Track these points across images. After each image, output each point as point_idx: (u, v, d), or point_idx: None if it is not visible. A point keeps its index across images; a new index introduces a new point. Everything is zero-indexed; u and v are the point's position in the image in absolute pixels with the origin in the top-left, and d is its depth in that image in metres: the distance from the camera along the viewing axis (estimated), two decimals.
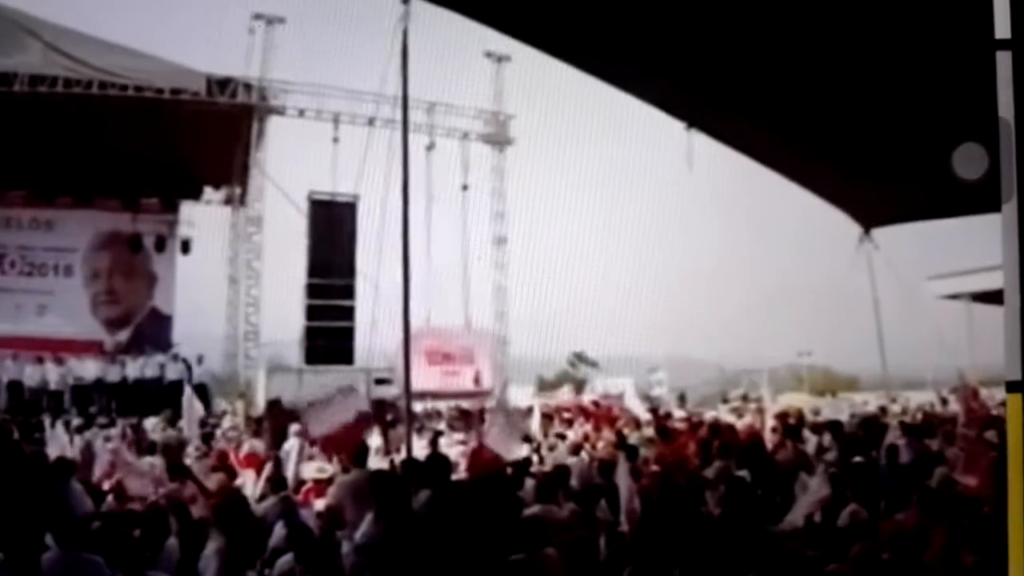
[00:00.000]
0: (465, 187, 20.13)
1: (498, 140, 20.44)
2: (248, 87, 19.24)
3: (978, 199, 4.83)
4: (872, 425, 13.45)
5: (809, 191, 16.84)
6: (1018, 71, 4.70)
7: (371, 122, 18.89)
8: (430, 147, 19.51)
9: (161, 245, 21.38)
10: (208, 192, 21.85)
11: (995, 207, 4.78)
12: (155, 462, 10.47)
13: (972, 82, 4.87)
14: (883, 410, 16.30)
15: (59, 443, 12.30)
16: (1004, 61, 4.71)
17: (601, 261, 17.70)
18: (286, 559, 6.77)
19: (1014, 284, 4.68)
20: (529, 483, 9.08)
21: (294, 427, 12.44)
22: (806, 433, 12.61)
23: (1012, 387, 4.72)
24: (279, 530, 7.37)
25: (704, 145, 16.71)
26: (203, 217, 21.65)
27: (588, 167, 17.36)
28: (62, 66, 18.12)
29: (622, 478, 8.46)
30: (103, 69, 18.24)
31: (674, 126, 16.53)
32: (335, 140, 19.03)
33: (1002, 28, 4.74)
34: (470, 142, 20.33)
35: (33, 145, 18.64)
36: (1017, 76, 4.69)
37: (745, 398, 18.61)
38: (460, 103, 19.94)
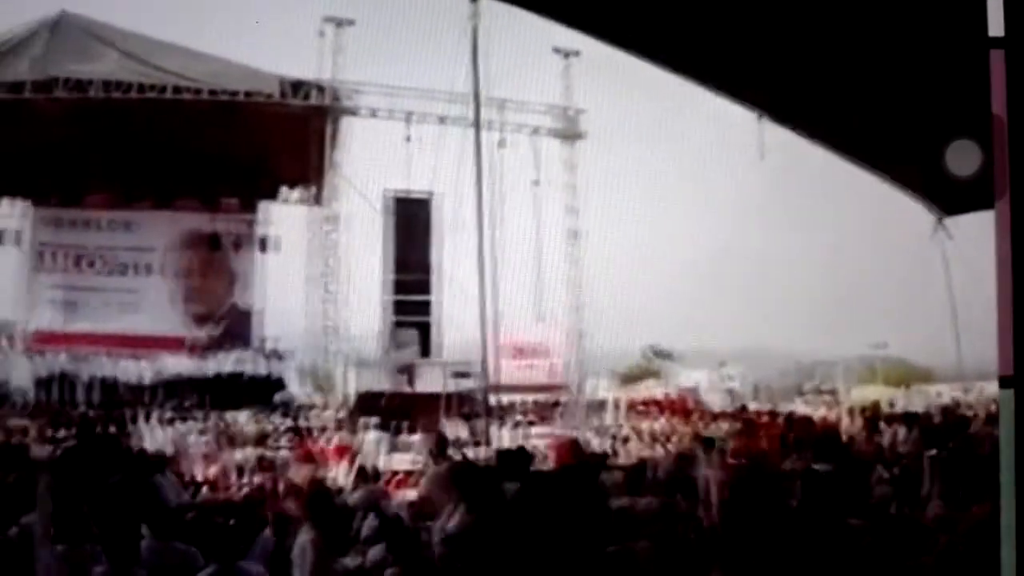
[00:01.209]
0: (536, 182, 20.16)
1: (568, 135, 20.42)
2: (321, 89, 19.40)
3: None
4: (951, 416, 13.30)
5: (883, 180, 16.62)
6: (1012, 69, 4.68)
7: (443, 120, 19.03)
8: (501, 143, 19.56)
9: (240, 244, 21.78)
10: (285, 192, 22.24)
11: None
12: (245, 455, 10.72)
13: None
14: (957, 402, 16.06)
15: (152, 437, 12.65)
16: (997, 59, 4.68)
17: (674, 253, 17.68)
18: (377, 549, 6.85)
19: (1006, 280, 4.65)
20: (608, 476, 9.12)
21: (376, 419, 12.71)
22: (882, 425, 12.52)
23: (1005, 383, 4.70)
24: (369, 521, 7.44)
25: (777, 135, 16.59)
26: (282, 216, 22.06)
27: (659, 159, 17.33)
28: (136, 72, 18.44)
29: (702, 471, 8.47)
30: (177, 73, 18.54)
31: (746, 116, 16.43)
32: (408, 139, 19.17)
33: (995, 26, 4.72)
34: (540, 137, 20.38)
35: (111, 149, 19.13)
36: (1011, 74, 4.67)
37: (820, 390, 18.47)
38: (530, 99, 19.98)
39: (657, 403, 16.83)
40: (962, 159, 4.92)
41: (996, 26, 4.73)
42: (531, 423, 14.07)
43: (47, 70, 18.21)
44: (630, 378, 20.13)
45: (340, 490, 8.61)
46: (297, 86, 19.28)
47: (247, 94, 18.92)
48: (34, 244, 21.18)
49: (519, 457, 8.68)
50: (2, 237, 20.85)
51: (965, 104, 4.96)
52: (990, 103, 4.71)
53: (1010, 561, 4.67)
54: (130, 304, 20.92)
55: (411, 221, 18.90)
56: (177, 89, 18.58)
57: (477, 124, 14.87)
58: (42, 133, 18.51)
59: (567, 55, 19.60)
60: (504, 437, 12.83)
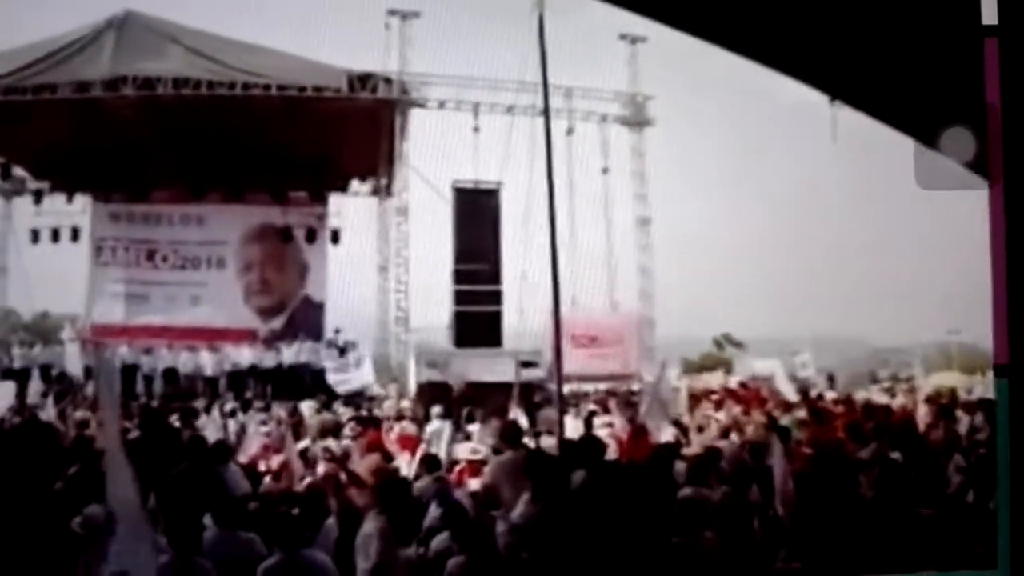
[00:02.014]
0: (605, 170, 20.02)
1: (637, 121, 20.24)
2: (388, 81, 19.48)
3: None
4: None
5: (960, 164, 16.12)
6: (1005, 57, 4.68)
7: (510, 110, 19.02)
8: (569, 131, 19.46)
9: (311, 236, 21.95)
10: (355, 184, 22.38)
11: None
12: (310, 445, 10.77)
13: None
14: None
15: (215, 427, 12.79)
16: (991, 47, 4.72)
17: (745, 239, 17.44)
18: (442, 538, 6.82)
19: (1000, 268, 4.70)
20: (679, 465, 8.99)
21: (438, 409, 12.69)
22: (958, 413, 12.19)
23: (1000, 371, 4.67)
24: (434, 510, 7.39)
25: (849, 118, 16.19)
26: (351, 208, 22.21)
27: (729, 144, 17.09)
28: (204, 68, 18.71)
29: (777, 461, 8.30)
30: (244, 69, 18.77)
31: (818, 99, 16.05)
32: (475, 129, 19.15)
33: (989, 15, 4.77)
34: (608, 125, 20.21)
35: (180, 146, 19.38)
36: (1005, 62, 4.68)
37: (895, 378, 18.09)
38: (597, 86, 19.88)
39: (729, 392, 16.58)
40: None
41: (990, 15, 4.79)
42: (600, 412, 13.92)
43: (115, 69, 18.55)
44: (701, 367, 19.93)
45: (406, 479, 8.57)
46: (364, 79, 19.35)
47: (315, 89, 19.05)
48: (97, 239, 21.62)
49: (588, 446, 8.60)
50: (60, 233, 21.30)
51: None
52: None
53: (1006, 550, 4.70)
54: (200, 297, 21.23)
55: (480, 211, 18.82)
56: (246, 85, 18.81)
57: (547, 112, 14.74)
58: (109, 131, 18.86)
59: (634, 41, 19.44)
60: (573, 426, 12.70)
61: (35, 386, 16.46)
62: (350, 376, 18.41)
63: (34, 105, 18.57)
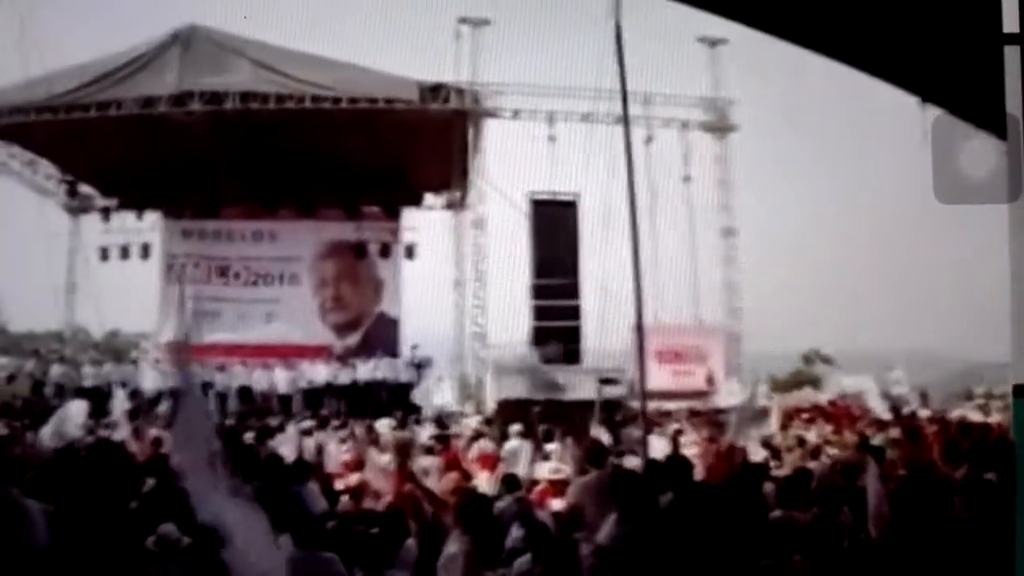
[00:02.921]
0: (687, 178, 19.54)
1: (719, 127, 19.76)
2: (460, 92, 19.24)
3: None
4: None
5: None
6: None
7: (586, 118, 18.58)
8: (648, 139, 19.00)
9: (386, 251, 21.91)
10: (429, 198, 22.24)
11: None
12: (387, 463, 10.53)
13: None
14: None
15: (292, 445, 12.61)
16: (1012, 56, 4.57)
17: (833, 250, 16.90)
18: (524, 560, 6.56)
19: (1021, 283, 4.56)
20: (768, 486, 8.60)
21: (517, 427, 12.36)
22: None
23: (1019, 391, 4.52)
24: (515, 530, 7.16)
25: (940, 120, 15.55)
26: (426, 222, 22.10)
27: (815, 150, 16.56)
28: (272, 82, 18.65)
29: (871, 482, 7.85)
30: (313, 82, 18.68)
31: (906, 100, 15.45)
32: (551, 138, 18.83)
33: (1010, 22, 4.59)
34: (690, 131, 19.74)
35: (250, 161, 19.39)
36: None
37: (990, 395, 17.40)
38: (677, 92, 19.46)
39: (819, 410, 16.04)
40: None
41: (1012, 22, 4.64)
42: (686, 431, 13.51)
43: (181, 84, 18.58)
44: (790, 384, 19.33)
45: (490, 498, 8.26)
46: (436, 90, 19.15)
47: (386, 101, 18.89)
48: (169, 256, 21.72)
49: (676, 466, 8.23)
50: (130, 250, 21.41)
51: None
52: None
53: None
54: (274, 314, 21.23)
55: (557, 223, 18.42)
56: (315, 99, 18.71)
57: (626, 119, 14.29)
58: (178, 146, 18.95)
59: (713, 44, 19.00)
60: (658, 446, 12.29)
61: (116, 405, 16.43)
62: (429, 393, 18.09)
63: (99, 122, 18.75)
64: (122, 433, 13.45)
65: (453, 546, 6.34)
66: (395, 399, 18.52)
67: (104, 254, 21.57)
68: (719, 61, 19.18)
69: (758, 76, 16.33)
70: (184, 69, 18.51)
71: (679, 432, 13.38)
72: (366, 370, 19.74)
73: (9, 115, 19.01)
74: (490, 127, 19.53)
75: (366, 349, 21.16)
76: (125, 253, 21.52)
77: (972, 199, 5.17)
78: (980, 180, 4.75)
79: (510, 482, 8.89)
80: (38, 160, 21.61)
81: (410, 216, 22.13)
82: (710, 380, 18.72)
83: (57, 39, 17.73)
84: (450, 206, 21.89)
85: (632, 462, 11.01)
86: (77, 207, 22.44)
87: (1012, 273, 4.58)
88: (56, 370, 20.01)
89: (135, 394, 18.22)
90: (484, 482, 10.00)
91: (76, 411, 14.01)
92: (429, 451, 11.41)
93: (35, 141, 20.15)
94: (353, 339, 21.85)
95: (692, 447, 12.05)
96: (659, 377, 17.01)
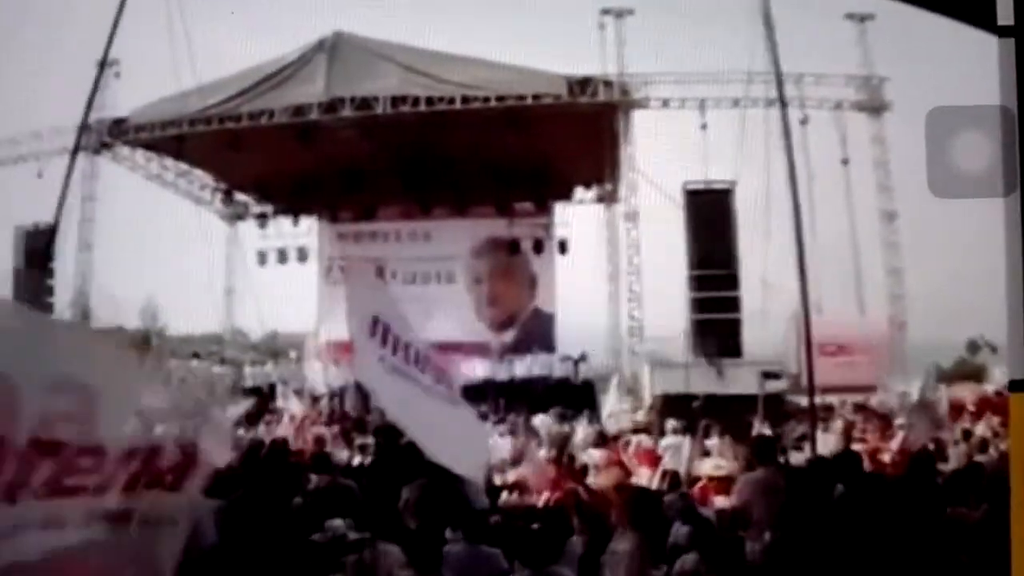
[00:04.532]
0: (845, 161, 18.77)
1: (873, 107, 18.91)
2: (608, 84, 19.01)
3: None
4: None
5: None
6: (1021, 59, 4.38)
7: (737, 103, 18.15)
8: (803, 121, 18.25)
9: (539, 247, 21.95)
10: (579, 192, 22.15)
11: None
12: (547, 459, 10.52)
13: None
14: None
15: None
16: (1007, 48, 4.37)
17: (1000, 230, 15.96)
18: (691, 557, 6.44)
19: (1017, 281, 4.31)
20: (936, 481, 8.22)
21: (675, 422, 12.16)
22: None
23: (1016, 386, 4.34)
24: (678, 528, 7.06)
25: None
26: (578, 217, 22.03)
27: None
28: (420, 85, 18.79)
29: None
30: (461, 83, 18.74)
31: None
32: (703, 127, 18.40)
33: (1005, 14, 4.39)
34: (844, 112, 18.97)
35: (403, 163, 19.66)
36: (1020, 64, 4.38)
37: None
38: (828, 71, 18.71)
39: (987, 402, 15.15)
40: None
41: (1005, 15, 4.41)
42: (855, 425, 12.97)
43: (331, 91, 18.91)
44: (952, 374, 18.32)
45: (658, 494, 8.15)
46: (584, 84, 18.99)
47: (535, 97, 18.83)
48: (326, 258, 22.25)
49: (845, 461, 7.95)
50: (287, 253, 21.95)
51: None
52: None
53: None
54: (431, 312, 21.49)
55: (714, 212, 17.79)
56: (465, 99, 18.79)
57: (782, 102, 13.77)
58: (330, 152, 19.39)
59: (862, 19, 18.19)
60: (824, 440, 11.88)
61: (281, 403, 16.89)
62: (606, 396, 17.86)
63: (251, 132, 19.25)
64: (286, 431, 13.81)
65: (621, 543, 6.25)
66: (552, 395, 18.53)
67: (262, 258, 22.29)
68: (868, 37, 18.34)
69: (909, 50, 15.56)
70: (332, 76, 18.85)
71: (851, 425, 12.87)
72: (523, 366, 19.87)
73: (163, 128, 19.75)
74: (639, 118, 19.21)
75: (523, 345, 21.31)
76: (283, 257, 22.18)
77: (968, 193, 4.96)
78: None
79: (673, 479, 8.77)
80: (191, 171, 22.35)
81: (561, 211, 22.19)
82: (875, 372, 17.89)
83: (210, 50, 18.31)
84: (601, 199, 21.76)
85: (798, 458, 10.73)
86: (233, 214, 23.22)
87: (1006, 272, 4.46)
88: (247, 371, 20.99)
89: (298, 393, 18.74)
90: (644, 478, 9.89)
91: (240, 411, 14.46)
92: (589, 446, 11.35)
93: (190, 152, 20.79)
94: (509, 335, 22.00)
95: (858, 442, 11.59)
96: (822, 370, 16.33)
